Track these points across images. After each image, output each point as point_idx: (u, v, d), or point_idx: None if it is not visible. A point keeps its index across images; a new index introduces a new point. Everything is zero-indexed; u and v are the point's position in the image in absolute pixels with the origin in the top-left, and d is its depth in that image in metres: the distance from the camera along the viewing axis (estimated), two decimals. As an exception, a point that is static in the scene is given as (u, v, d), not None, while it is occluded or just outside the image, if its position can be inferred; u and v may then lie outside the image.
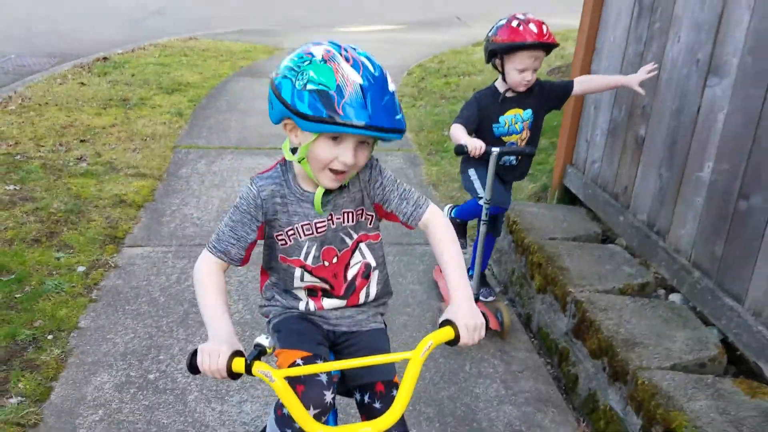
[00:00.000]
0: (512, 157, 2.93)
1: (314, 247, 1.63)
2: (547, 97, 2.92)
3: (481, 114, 2.87)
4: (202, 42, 9.95)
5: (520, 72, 2.76)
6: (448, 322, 1.42)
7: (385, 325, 1.82)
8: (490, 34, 2.81)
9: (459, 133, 2.78)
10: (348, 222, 1.64)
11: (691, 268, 2.69)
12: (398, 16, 14.20)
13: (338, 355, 1.74)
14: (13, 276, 3.20)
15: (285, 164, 1.61)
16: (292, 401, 1.32)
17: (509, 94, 2.86)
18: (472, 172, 3.01)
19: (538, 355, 2.97)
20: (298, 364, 1.58)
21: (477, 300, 3.09)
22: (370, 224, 1.68)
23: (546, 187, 4.24)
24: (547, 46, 2.74)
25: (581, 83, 3.00)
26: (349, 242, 1.67)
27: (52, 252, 3.47)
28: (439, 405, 2.58)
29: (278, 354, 1.66)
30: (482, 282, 3.23)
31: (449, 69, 8.90)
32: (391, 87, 1.43)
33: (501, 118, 2.88)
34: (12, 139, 5.13)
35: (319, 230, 1.62)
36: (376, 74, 1.41)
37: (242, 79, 7.87)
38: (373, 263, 1.72)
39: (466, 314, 1.42)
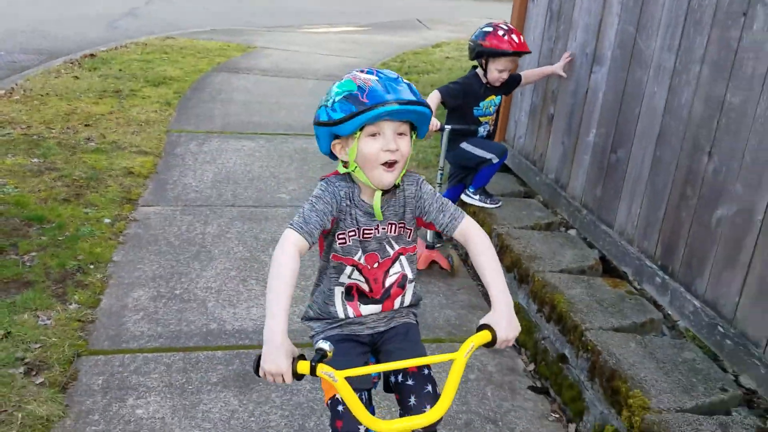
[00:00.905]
0: (488, 127, 3.80)
1: (360, 250, 1.80)
2: (507, 86, 3.81)
3: (466, 96, 3.67)
4: (178, 41, 10.62)
5: (499, 72, 3.62)
6: (488, 327, 1.57)
7: (418, 322, 2.01)
8: (478, 39, 3.59)
9: (431, 103, 3.59)
10: (391, 232, 1.81)
11: (581, 208, 3.62)
12: (361, 18, 15.06)
13: (378, 352, 1.90)
14: (53, 224, 3.96)
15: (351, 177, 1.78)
16: (351, 398, 1.45)
17: (488, 86, 3.70)
18: (465, 145, 3.77)
19: (472, 279, 3.87)
20: (337, 397, 1.76)
21: (432, 247, 3.95)
22: (409, 237, 1.84)
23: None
24: (523, 54, 3.61)
25: (526, 76, 3.94)
26: (391, 252, 1.82)
27: (81, 208, 4.23)
28: (396, 310, 3.45)
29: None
30: (437, 233, 4.12)
31: (410, 68, 9.78)
32: (406, 81, 1.65)
33: (481, 103, 3.73)
34: (24, 123, 5.82)
35: (365, 236, 1.79)
36: (389, 74, 1.65)
37: (220, 74, 8.60)
38: (410, 276, 1.88)
39: (506, 326, 1.58)
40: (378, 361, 1.89)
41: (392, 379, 1.85)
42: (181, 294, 3.45)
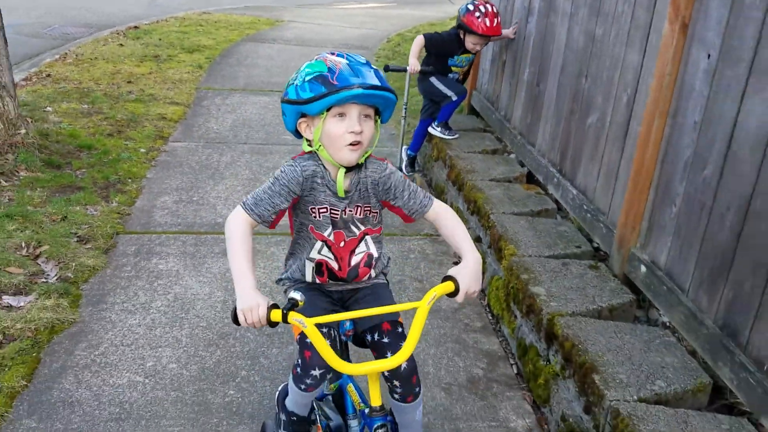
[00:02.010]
0: (456, 76, 4.62)
1: (330, 227, 1.87)
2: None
3: (444, 46, 4.46)
4: (214, 15, 11.65)
5: (473, 44, 4.44)
6: (451, 278, 1.63)
7: (388, 282, 2.09)
8: (460, 13, 4.38)
9: (414, 49, 4.40)
10: (357, 215, 1.86)
11: (518, 135, 4.44)
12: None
13: (348, 309, 1.96)
14: (100, 151, 4.98)
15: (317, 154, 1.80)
16: (320, 343, 1.56)
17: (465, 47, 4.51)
18: (433, 79, 4.57)
19: (432, 195, 4.73)
20: (303, 334, 1.83)
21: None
22: (375, 220, 1.90)
23: (462, 109, 5.97)
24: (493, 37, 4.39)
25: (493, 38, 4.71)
26: (356, 232, 1.88)
27: (122, 141, 5.25)
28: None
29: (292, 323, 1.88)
30: (410, 163, 4.99)
31: (422, 37, 10.57)
32: (374, 67, 1.69)
33: (456, 57, 4.54)
34: (76, 80, 6.88)
35: (333, 215, 1.84)
36: (359, 59, 1.69)
37: (248, 44, 9.57)
38: (375, 254, 1.94)
39: (469, 279, 1.65)
40: None
41: (368, 338, 1.92)
42: (198, 200, 4.42)
